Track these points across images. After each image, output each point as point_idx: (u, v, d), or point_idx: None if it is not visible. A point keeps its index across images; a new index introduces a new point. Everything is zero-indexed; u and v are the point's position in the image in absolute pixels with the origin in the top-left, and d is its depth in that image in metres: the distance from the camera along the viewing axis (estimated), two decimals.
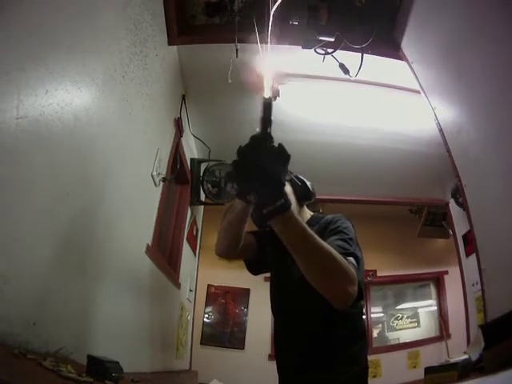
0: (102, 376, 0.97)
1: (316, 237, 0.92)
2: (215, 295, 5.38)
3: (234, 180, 0.92)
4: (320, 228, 1.28)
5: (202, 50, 2.56)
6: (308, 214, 1.48)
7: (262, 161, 0.82)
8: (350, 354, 1.25)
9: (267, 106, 0.86)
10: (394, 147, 3.49)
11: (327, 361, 1.23)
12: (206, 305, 5.28)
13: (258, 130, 0.86)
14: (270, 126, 0.85)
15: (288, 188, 1.38)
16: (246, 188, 0.93)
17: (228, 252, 1.33)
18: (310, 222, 1.37)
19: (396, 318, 5.47)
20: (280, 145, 0.86)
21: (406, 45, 2.19)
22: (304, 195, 1.44)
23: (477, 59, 1.57)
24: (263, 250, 1.46)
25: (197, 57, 2.65)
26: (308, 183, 1.45)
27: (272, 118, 0.85)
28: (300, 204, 1.44)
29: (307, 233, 0.90)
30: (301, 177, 1.46)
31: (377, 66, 2.49)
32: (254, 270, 1.53)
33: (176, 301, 3.07)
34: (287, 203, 0.86)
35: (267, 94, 0.87)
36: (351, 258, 1.04)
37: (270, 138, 0.85)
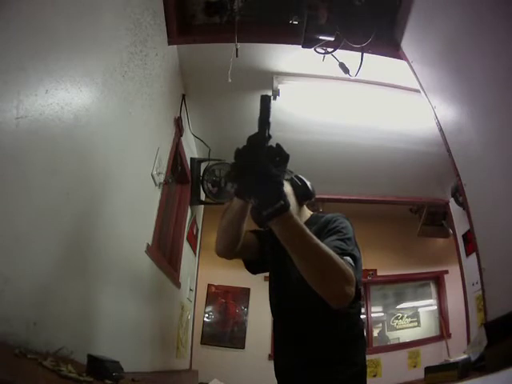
0: (103, 376, 0.97)
1: (314, 237, 0.92)
2: (215, 295, 5.38)
3: (233, 182, 0.92)
4: (319, 227, 1.28)
5: (202, 49, 2.56)
6: (308, 213, 1.48)
7: (260, 163, 0.82)
8: (349, 354, 1.25)
9: (265, 106, 0.86)
10: (394, 146, 3.49)
11: (325, 361, 1.22)
12: (207, 304, 5.27)
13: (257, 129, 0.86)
14: (269, 126, 0.85)
15: (288, 187, 1.38)
16: (245, 191, 0.93)
17: (227, 251, 1.32)
18: (309, 222, 1.37)
19: (396, 318, 5.47)
20: (278, 145, 0.87)
21: (406, 44, 2.19)
22: (304, 195, 1.44)
23: (477, 59, 1.57)
24: (264, 249, 1.46)
25: (197, 56, 2.65)
26: (308, 183, 1.45)
27: (270, 118, 0.85)
28: (300, 204, 1.44)
29: (305, 233, 0.91)
30: (301, 176, 1.46)
31: (377, 65, 2.50)
32: (253, 269, 1.52)
33: (176, 300, 3.07)
34: (286, 204, 0.86)
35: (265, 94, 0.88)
36: (348, 258, 1.04)
37: (267, 138, 0.85)
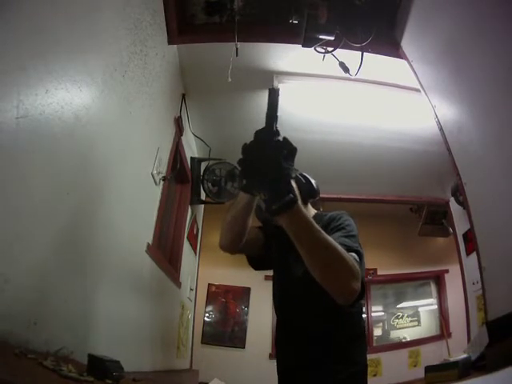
0: (103, 375, 0.96)
1: (322, 231, 0.93)
2: (216, 294, 5.38)
3: (242, 178, 0.93)
4: (323, 225, 1.27)
5: (202, 48, 2.56)
6: (312, 211, 1.47)
7: (269, 157, 0.82)
8: (350, 354, 1.25)
9: (273, 100, 0.86)
10: (394, 146, 3.49)
11: (327, 360, 1.22)
12: (207, 304, 5.28)
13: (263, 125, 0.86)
14: (276, 120, 0.85)
15: (293, 185, 1.38)
16: (255, 185, 0.93)
17: (232, 246, 1.32)
18: (313, 220, 1.36)
19: (397, 317, 5.47)
20: (285, 138, 0.86)
21: (406, 43, 2.19)
22: (309, 193, 1.44)
23: (476, 58, 1.57)
24: (269, 246, 1.46)
25: (197, 56, 2.65)
26: (313, 181, 1.45)
27: (278, 112, 0.85)
28: (305, 202, 1.44)
29: (314, 227, 0.92)
30: (305, 174, 1.46)
31: (377, 64, 2.49)
32: (255, 264, 1.52)
33: (177, 300, 3.07)
34: (295, 197, 0.87)
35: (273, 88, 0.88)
36: (354, 254, 1.04)
37: (275, 132, 0.85)
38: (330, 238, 0.94)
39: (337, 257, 0.93)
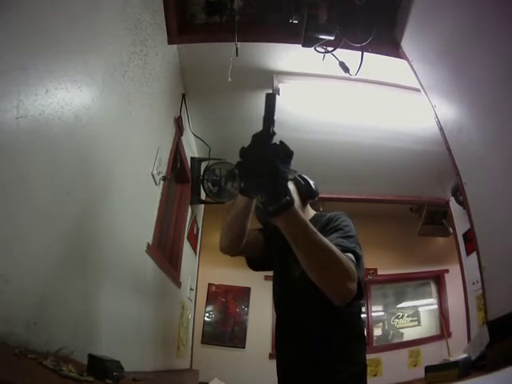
0: (103, 375, 0.96)
1: (318, 233, 0.94)
2: (216, 294, 5.38)
3: (240, 181, 0.95)
4: (321, 226, 1.28)
5: (202, 48, 2.56)
6: (311, 212, 1.48)
7: (266, 161, 0.84)
8: (349, 354, 1.25)
9: (270, 104, 0.87)
10: (394, 145, 3.49)
11: (326, 360, 1.23)
12: (207, 304, 5.28)
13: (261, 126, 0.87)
14: (273, 124, 0.86)
15: (291, 187, 1.38)
16: (252, 188, 0.95)
17: (232, 248, 1.32)
18: (312, 221, 1.37)
19: (397, 317, 5.47)
20: (281, 142, 0.88)
21: (406, 43, 2.19)
22: (307, 194, 1.44)
23: (477, 57, 1.57)
24: (269, 248, 1.46)
25: (197, 56, 2.65)
26: (311, 182, 1.46)
27: (275, 116, 0.86)
28: (303, 203, 1.44)
29: (309, 229, 0.93)
30: (304, 176, 1.47)
31: (377, 64, 2.49)
32: (254, 266, 1.52)
33: (177, 300, 3.08)
34: (291, 200, 0.88)
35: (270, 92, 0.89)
36: (350, 254, 1.04)
37: (272, 136, 0.86)
38: (326, 240, 0.95)
39: (333, 259, 0.94)
